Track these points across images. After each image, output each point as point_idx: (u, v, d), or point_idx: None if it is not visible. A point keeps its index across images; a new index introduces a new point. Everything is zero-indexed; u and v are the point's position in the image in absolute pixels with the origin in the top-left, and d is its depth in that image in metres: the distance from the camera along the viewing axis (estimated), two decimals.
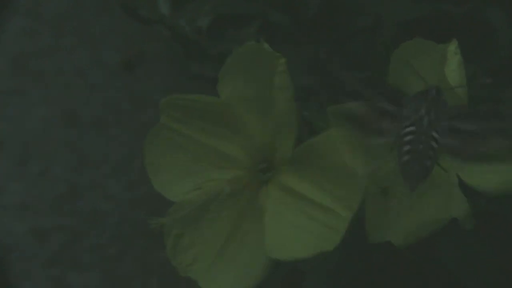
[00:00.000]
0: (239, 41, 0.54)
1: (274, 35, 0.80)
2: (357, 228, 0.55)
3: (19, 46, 1.20)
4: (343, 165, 0.48)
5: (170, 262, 0.55)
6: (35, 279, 0.97)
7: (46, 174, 1.07)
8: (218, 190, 0.53)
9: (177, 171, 0.56)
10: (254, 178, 0.53)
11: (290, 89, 0.50)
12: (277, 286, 0.56)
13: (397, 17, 0.75)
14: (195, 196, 0.54)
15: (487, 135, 0.49)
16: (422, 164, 0.46)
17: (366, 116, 0.50)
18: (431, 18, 0.77)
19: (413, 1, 0.77)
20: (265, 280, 0.51)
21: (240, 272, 0.52)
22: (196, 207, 0.54)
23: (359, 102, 0.51)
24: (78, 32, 1.20)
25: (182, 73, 0.83)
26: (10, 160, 1.08)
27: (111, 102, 1.14)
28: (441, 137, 0.48)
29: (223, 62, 0.55)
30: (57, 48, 1.19)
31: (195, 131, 0.55)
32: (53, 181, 1.06)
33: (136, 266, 0.98)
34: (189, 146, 0.55)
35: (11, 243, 1.00)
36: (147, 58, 1.00)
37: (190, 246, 0.54)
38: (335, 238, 0.48)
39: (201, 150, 0.55)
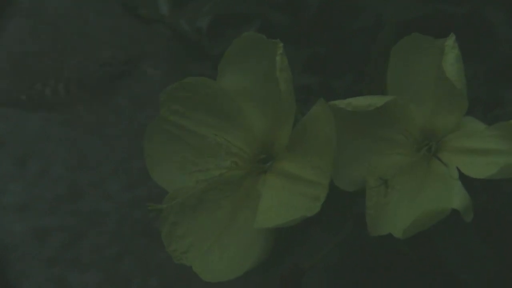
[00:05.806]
0: None
1: (274, 35, 0.80)
2: (357, 227, 0.55)
3: (19, 46, 1.20)
4: (324, 137, 0.50)
5: (165, 249, 0.55)
6: (35, 279, 0.97)
7: (46, 174, 1.07)
8: (216, 178, 0.54)
9: (176, 163, 0.56)
10: (254, 168, 0.54)
11: (289, 70, 0.51)
12: (277, 284, 0.57)
13: (397, 17, 0.75)
14: (193, 183, 0.54)
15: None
16: None
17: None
18: (431, 18, 0.77)
19: (413, 1, 0.78)
20: (265, 277, 0.51)
21: (235, 258, 0.53)
22: (194, 195, 0.55)
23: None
24: (78, 32, 1.20)
25: (182, 73, 0.83)
26: (10, 160, 1.08)
27: (111, 102, 1.14)
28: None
29: None
30: (57, 48, 1.19)
31: (195, 123, 0.56)
32: (53, 181, 1.06)
33: (136, 266, 0.98)
34: (188, 139, 0.56)
35: (11, 243, 1.00)
36: (147, 58, 1.00)
37: (186, 234, 0.55)
38: (316, 205, 0.49)
39: (200, 142, 0.55)
